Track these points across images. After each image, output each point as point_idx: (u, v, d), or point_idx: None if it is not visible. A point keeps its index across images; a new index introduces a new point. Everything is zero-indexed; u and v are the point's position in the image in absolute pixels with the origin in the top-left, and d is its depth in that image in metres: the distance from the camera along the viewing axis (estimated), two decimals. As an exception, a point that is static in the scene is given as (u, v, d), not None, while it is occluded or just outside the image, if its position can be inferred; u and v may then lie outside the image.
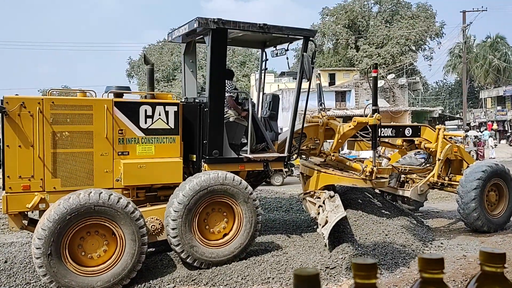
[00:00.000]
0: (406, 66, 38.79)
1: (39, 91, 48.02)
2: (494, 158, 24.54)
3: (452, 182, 8.69)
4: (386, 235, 7.21)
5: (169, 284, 5.60)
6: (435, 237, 7.95)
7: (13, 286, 5.51)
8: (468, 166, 8.60)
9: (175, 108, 6.29)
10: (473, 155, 19.07)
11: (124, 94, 6.39)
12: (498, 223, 8.28)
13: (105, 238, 5.48)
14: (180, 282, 5.65)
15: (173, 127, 6.27)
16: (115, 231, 5.44)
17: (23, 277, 5.67)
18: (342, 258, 6.03)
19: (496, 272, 0.84)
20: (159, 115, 6.20)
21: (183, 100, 7.16)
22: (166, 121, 6.23)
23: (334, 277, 5.70)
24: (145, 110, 6.11)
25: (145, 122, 6.11)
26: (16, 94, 5.86)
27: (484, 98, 46.57)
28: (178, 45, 8.87)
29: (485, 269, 0.85)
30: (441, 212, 10.24)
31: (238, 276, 5.72)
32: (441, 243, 7.56)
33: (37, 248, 5.05)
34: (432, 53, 42.98)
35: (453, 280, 5.40)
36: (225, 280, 5.65)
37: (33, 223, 5.89)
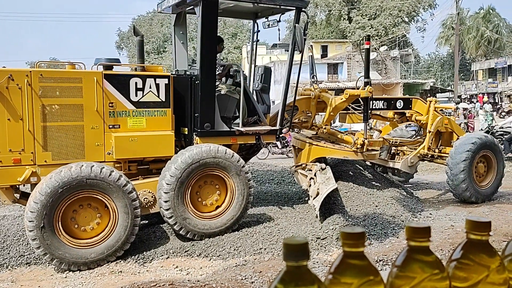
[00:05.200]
0: (398, 38, 38.55)
1: (26, 64, 47.19)
2: (483, 130, 24.75)
3: (442, 154, 8.79)
4: (376, 206, 7.33)
5: (162, 255, 5.68)
6: (424, 208, 8.10)
7: (7, 258, 5.55)
8: (458, 138, 8.68)
9: (165, 80, 6.23)
10: (463, 127, 19.22)
11: (114, 66, 6.30)
12: (486, 194, 8.44)
13: (98, 211, 5.51)
14: (173, 253, 5.73)
15: (164, 100, 6.22)
16: (108, 204, 5.47)
17: (16, 250, 5.71)
18: (332, 229, 6.13)
19: (481, 240, 0.86)
20: (150, 88, 6.13)
21: (173, 73, 7.08)
22: (157, 94, 6.17)
23: (325, 247, 5.81)
24: (136, 83, 6.05)
25: (136, 95, 6.06)
26: (4, 67, 5.76)
27: (475, 70, 46.61)
28: (168, 16, 8.72)
29: (470, 237, 0.87)
30: (431, 183, 10.40)
31: (230, 247, 5.81)
32: (430, 214, 7.70)
33: (29, 221, 5.08)
34: (425, 24, 42.81)
35: (441, 249, 5.54)
36: (217, 251, 5.74)
37: (25, 196, 5.89)
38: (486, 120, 23.80)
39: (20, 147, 5.51)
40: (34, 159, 5.58)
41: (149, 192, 5.99)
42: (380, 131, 9.96)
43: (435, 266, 0.79)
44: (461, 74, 48.45)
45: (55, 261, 5.21)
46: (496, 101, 39.96)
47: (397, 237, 6.33)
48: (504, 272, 0.85)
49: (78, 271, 5.29)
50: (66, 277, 5.16)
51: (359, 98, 7.09)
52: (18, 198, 5.85)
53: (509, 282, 0.85)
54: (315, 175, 6.79)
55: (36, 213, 5.07)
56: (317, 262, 5.25)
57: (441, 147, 9.01)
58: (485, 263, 0.84)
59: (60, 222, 5.25)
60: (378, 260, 5.28)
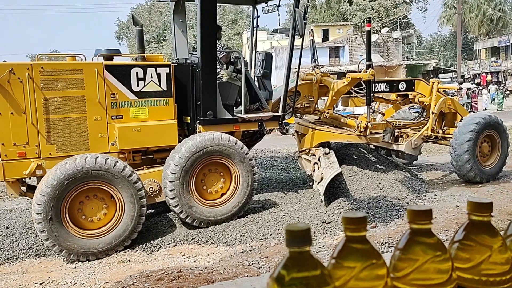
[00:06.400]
0: (400, 19, 38.13)
1: (27, 57, 47.15)
2: (487, 109, 24.64)
3: (446, 135, 8.76)
4: (380, 189, 7.34)
5: (169, 243, 5.73)
6: (429, 189, 8.10)
7: (16, 251, 5.63)
8: (461, 119, 8.64)
9: (166, 69, 6.21)
10: (467, 108, 19.13)
11: (114, 57, 6.29)
12: (490, 174, 8.43)
13: (104, 201, 5.55)
14: (180, 241, 5.78)
15: (165, 89, 6.21)
16: (114, 194, 5.50)
17: (25, 242, 5.78)
18: (337, 212, 6.16)
19: (483, 221, 0.86)
20: (151, 77, 6.12)
21: (174, 61, 7.05)
22: (158, 83, 6.17)
23: (331, 231, 5.84)
24: (137, 73, 6.04)
25: (137, 85, 6.05)
26: (4, 61, 5.75)
27: (478, 50, 46.10)
28: (167, 4, 8.65)
29: (472, 218, 0.87)
30: (435, 164, 10.39)
31: (237, 233, 5.86)
32: (435, 195, 7.71)
33: (37, 214, 5.13)
34: (426, 4, 42.28)
35: (446, 230, 5.56)
36: (224, 238, 5.79)
37: (31, 189, 5.94)
38: (497, 99, 24.07)
39: (24, 140, 5.54)
40: (39, 152, 5.61)
41: (154, 181, 6.02)
42: (383, 114, 9.92)
43: (437, 248, 0.79)
44: (464, 54, 47.97)
45: (64, 252, 5.27)
46: (500, 80, 39.62)
47: (402, 219, 6.35)
48: (507, 252, 0.86)
49: (87, 261, 5.35)
50: (75, 268, 5.23)
51: (361, 81, 7.05)
52: (24, 191, 5.90)
53: (511, 262, 0.86)
54: (319, 160, 6.80)
55: (43, 205, 5.12)
56: (323, 246, 5.29)
57: (444, 128, 8.97)
58: (487, 243, 0.85)
59: (67, 214, 5.30)
60: (384, 242, 5.31)
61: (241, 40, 41.74)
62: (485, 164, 8.43)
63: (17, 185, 5.74)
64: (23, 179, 5.87)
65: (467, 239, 0.86)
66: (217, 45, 6.67)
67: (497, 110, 24.95)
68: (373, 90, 7.39)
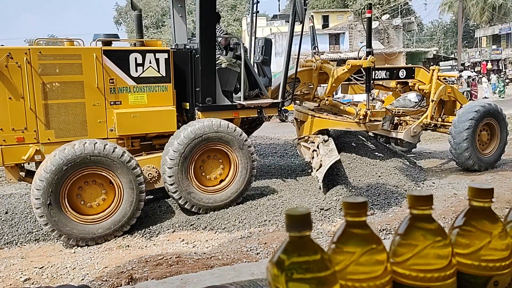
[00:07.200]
0: (400, 5, 37.83)
1: (25, 41, 46.78)
2: (487, 98, 24.61)
3: (445, 123, 8.75)
4: (379, 176, 7.36)
5: (168, 229, 5.76)
6: (427, 177, 8.13)
7: (16, 235, 5.65)
8: (461, 107, 8.63)
9: (165, 55, 6.17)
10: (467, 96, 19.09)
11: (112, 42, 6.24)
12: (489, 162, 8.44)
13: (103, 187, 5.56)
14: (179, 227, 5.80)
15: (164, 75, 6.18)
16: (113, 180, 5.51)
17: (25, 227, 5.80)
18: (336, 199, 6.18)
19: (483, 207, 0.86)
20: (150, 63, 6.08)
21: (173, 47, 7.00)
22: (157, 69, 6.13)
23: (329, 218, 5.87)
24: (135, 58, 6.00)
25: (136, 71, 6.01)
26: (2, 45, 5.71)
27: (479, 37, 45.85)
28: (166, -11, 8.55)
29: (473, 204, 0.87)
30: (434, 152, 10.40)
31: (235, 219, 5.88)
32: (433, 183, 7.74)
33: (36, 199, 5.13)
34: (428, -9, 41.77)
35: (444, 217, 5.58)
36: (223, 224, 5.82)
37: (30, 174, 5.95)
38: (498, 87, 24.22)
39: (22, 125, 5.52)
40: (37, 137, 5.60)
41: (153, 167, 6.02)
42: (383, 101, 9.90)
43: (437, 233, 0.79)
44: (465, 42, 47.73)
45: (63, 237, 5.30)
46: (500, 68, 39.47)
47: (400, 207, 6.38)
48: (507, 238, 0.85)
49: (86, 246, 5.38)
50: (74, 253, 5.26)
51: (361, 69, 7.01)
52: (23, 176, 5.91)
53: (511, 248, 0.86)
54: (318, 147, 6.80)
55: (42, 190, 5.12)
56: (321, 233, 5.31)
57: (444, 116, 8.96)
58: (487, 229, 0.84)
59: (66, 199, 5.31)
60: (382, 229, 5.34)
61: (241, 26, 41.41)
62: (484, 153, 8.44)
63: (16, 170, 5.74)
64: (22, 164, 5.87)
65: (467, 225, 0.86)
66: (216, 30, 6.61)
67: (499, 97, 25.13)
68: (373, 77, 7.36)
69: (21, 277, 4.59)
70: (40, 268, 4.81)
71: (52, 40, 10.85)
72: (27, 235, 5.67)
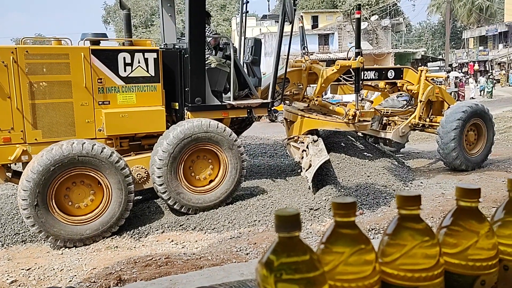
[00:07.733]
0: (389, 6, 38.11)
1: (12, 40, 46.19)
2: (474, 98, 24.91)
3: (433, 123, 8.83)
4: (368, 176, 7.40)
5: (157, 230, 5.73)
6: (415, 177, 8.19)
7: (2, 237, 5.57)
8: (449, 107, 8.71)
9: (154, 55, 6.14)
10: (454, 96, 19.30)
11: (101, 41, 6.19)
12: (476, 162, 8.54)
13: (91, 188, 5.51)
14: (168, 227, 5.78)
15: (153, 74, 6.14)
16: (101, 180, 5.46)
17: (11, 228, 5.72)
18: (325, 199, 6.20)
19: (471, 207, 0.87)
20: (139, 62, 6.05)
21: (162, 47, 6.97)
22: (146, 69, 6.09)
23: (318, 218, 5.88)
24: (124, 58, 5.95)
25: (125, 70, 5.97)
26: (-13, 44, 5.63)
27: (466, 39, 46.37)
28: (155, -12, 8.51)
29: (460, 204, 0.88)
30: (422, 152, 10.50)
31: (225, 220, 5.87)
32: (421, 182, 7.80)
33: (23, 200, 5.07)
34: (416, -8, 42.21)
35: (432, 217, 5.63)
36: (212, 224, 5.80)
37: (17, 175, 5.87)
38: (486, 88, 24.65)
39: (9, 125, 5.45)
40: (24, 138, 5.53)
41: (142, 168, 5.99)
42: (372, 102, 9.97)
43: (425, 233, 0.80)
44: (452, 43, 48.24)
45: (50, 238, 5.24)
46: (487, 69, 39.95)
47: (389, 206, 6.42)
48: (493, 238, 0.86)
49: (74, 248, 5.33)
50: (62, 254, 5.20)
51: (351, 69, 7.05)
52: (10, 177, 5.83)
53: (498, 247, 0.87)
54: (307, 147, 6.82)
55: (29, 191, 5.06)
56: (311, 233, 5.33)
57: (432, 116, 9.05)
58: (474, 229, 0.85)
59: (53, 200, 5.25)
60: (370, 229, 5.37)
61: (230, 26, 41.38)
62: (471, 152, 8.54)
63: (2, 171, 5.66)
64: (9, 165, 5.79)
65: (455, 225, 0.87)
66: (206, 30, 6.60)
67: (487, 98, 25.52)
68: (362, 78, 7.40)
69: (7, 279, 4.53)
70: (27, 269, 4.75)
71: (40, 39, 10.73)
72: (14, 236, 5.60)
